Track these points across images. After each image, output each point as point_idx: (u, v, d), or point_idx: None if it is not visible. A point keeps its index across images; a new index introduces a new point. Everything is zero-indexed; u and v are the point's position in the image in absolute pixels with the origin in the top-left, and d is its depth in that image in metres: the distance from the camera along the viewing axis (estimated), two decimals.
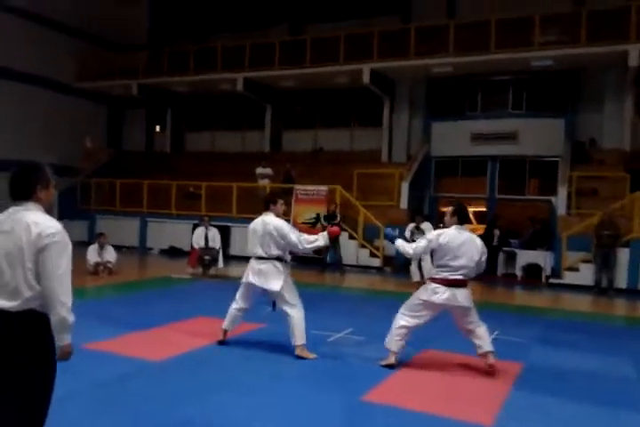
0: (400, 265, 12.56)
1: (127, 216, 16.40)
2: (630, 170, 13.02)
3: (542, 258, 12.24)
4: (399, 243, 5.13)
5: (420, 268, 10.64)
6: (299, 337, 5.23)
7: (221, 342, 5.59)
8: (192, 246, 11.12)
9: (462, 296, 4.85)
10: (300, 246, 5.22)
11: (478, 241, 5.01)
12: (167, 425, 3.63)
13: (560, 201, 12.87)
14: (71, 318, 2.49)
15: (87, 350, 5.16)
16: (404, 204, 14.33)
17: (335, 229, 5.50)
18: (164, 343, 5.66)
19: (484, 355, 5.02)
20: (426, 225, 10.85)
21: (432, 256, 5.24)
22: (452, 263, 4.84)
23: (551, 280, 11.84)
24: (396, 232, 5.40)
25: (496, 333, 6.61)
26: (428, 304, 4.91)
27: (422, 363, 5.28)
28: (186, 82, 18.07)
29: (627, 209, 11.91)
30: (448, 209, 5.13)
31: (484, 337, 5.03)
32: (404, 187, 14.37)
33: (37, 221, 2.50)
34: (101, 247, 10.48)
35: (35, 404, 2.50)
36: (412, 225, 10.98)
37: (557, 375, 5.06)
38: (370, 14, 16.97)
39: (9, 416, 2.44)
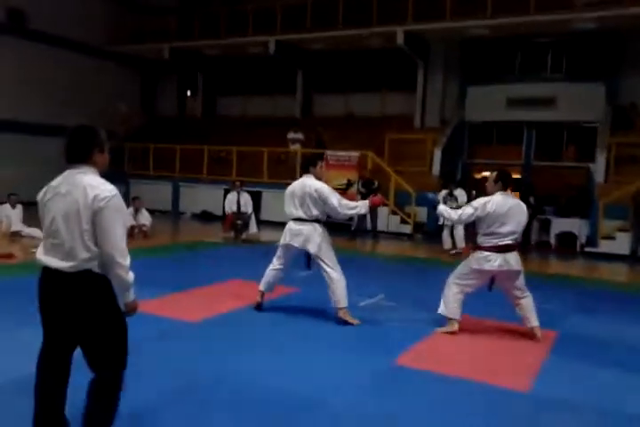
0: (431, 232, 12.50)
1: (160, 181, 16.58)
2: None
3: (577, 226, 12.01)
4: (442, 208, 5.13)
5: (452, 235, 10.57)
6: (340, 300, 5.20)
7: (259, 305, 5.59)
8: (224, 211, 11.23)
9: (514, 260, 4.88)
10: (340, 211, 5.13)
11: (524, 206, 5.02)
12: (198, 383, 3.73)
13: (598, 168, 12.56)
14: (130, 277, 2.61)
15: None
16: (436, 170, 14.15)
17: (377, 199, 5.36)
18: (198, 305, 5.78)
19: (532, 329, 5.06)
20: (459, 192, 10.72)
21: (473, 225, 5.18)
22: (500, 230, 4.81)
23: (586, 249, 11.65)
24: (438, 197, 5.36)
25: None
26: (480, 272, 4.94)
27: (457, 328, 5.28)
28: (217, 45, 17.90)
29: None
30: (491, 175, 5.05)
31: (530, 310, 5.05)
32: (437, 153, 14.16)
33: (93, 184, 2.55)
34: (136, 211, 10.66)
35: (108, 353, 2.70)
36: (444, 191, 10.85)
37: (593, 344, 5.02)
38: None
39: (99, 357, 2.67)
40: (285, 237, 5.33)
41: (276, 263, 5.54)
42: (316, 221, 5.21)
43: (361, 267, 8.64)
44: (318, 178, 5.32)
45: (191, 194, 16.15)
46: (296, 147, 15.11)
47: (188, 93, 21.36)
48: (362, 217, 12.11)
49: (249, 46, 17.45)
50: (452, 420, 3.34)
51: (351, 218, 11.39)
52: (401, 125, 16.02)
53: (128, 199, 14.23)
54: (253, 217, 11.13)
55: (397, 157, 14.58)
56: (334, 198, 5.11)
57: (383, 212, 13.09)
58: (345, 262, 5.51)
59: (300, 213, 5.21)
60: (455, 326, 5.09)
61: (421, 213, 13.17)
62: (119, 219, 2.58)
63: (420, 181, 13.61)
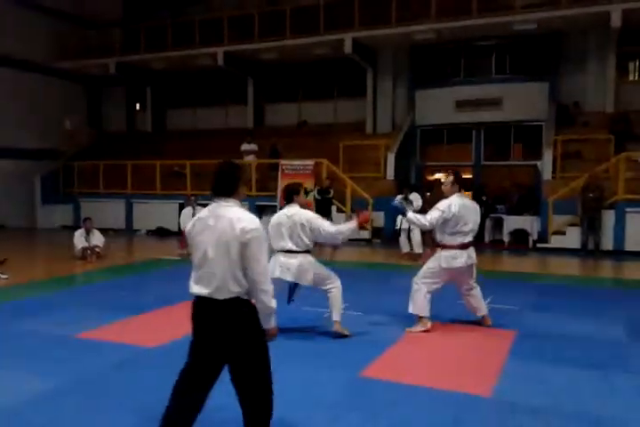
0: (389, 237, 12.61)
1: (112, 198, 16.24)
2: (614, 131, 13.05)
3: (529, 223, 12.34)
4: (412, 215, 5.33)
5: (409, 239, 10.68)
6: (337, 312, 5.19)
7: None
8: (180, 227, 11.05)
9: (474, 254, 5.36)
10: (337, 236, 5.06)
11: (477, 205, 5.50)
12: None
13: (545, 165, 12.92)
14: (273, 303, 2.80)
15: (82, 340, 5.17)
16: (390, 174, 14.29)
17: (365, 215, 5.42)
18: (158, 329, 5.63)
19: (483, 317, 5.59)
20: (414, 196, 10.84)
21: (431, 230, 5.48)
22: (464, 229, 5.22)
23: (538, 245, 11.96)
24: (403, 204, 5.58)
25: (488, 300, 6.69)
26: (448, 270, 5.28)
27: (418, 336, 5.33)
28: (164, 58, 17.70)
29: (611, 171, 11.99)
30: (448, 178, 5.38)
31: (479, 299, 5.55)
32: (391, 157, 14.30)
33: (239, 216, 2.74)
34: (88, 232, 10.37)
35: (257, 372, 2.89)
36: (399, 196, 10.94)
37: (551, 341, 5.13)
38: None
39: (245, 381, 2.86)
40: (275, 272, 5.02)
41: None
42: (307, 251, 5.11)
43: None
44: (302, 206, 5.22)
45: (145, 210, 15.85)
46: (250, 158, 15.02)
47: (137, 107, 21.00)
48: None
49: (197, 58, 17.29)
50: None
51: None
52: (354, 132, 16.17)
53: (79, 220, 13.88)
54: None
55: (352, 163, 14.69)
56: (327, 225, 5.04)
57: (340, 218, 13.11)
58: None
59: (290, 245, 5.05)
60: (428, 324, 5.33)
61: (378, 219, 13.28)
62: (264, 248, 2.79)
63: (376, 186, 13.75)
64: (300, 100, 18.17)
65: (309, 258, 5.12)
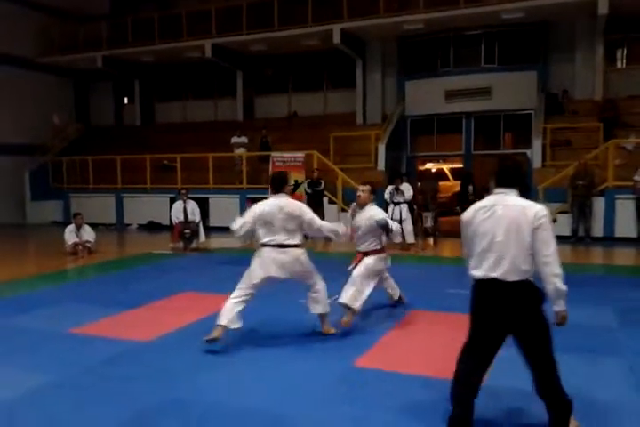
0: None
1: (102, 193, 16.16)
2: (602, 119, 13.09)
3: None
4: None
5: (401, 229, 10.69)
6: (322, 308, 5.04)
7: (214, 339, 4.62)
8: (171, 221, 11.03)
9: None
10: (323, 231, 4.87)
11: None
12: (159, 406, 3.62)
13: (535, 153, 12.95)
14: (565, 287, 2.95)
15: (74, 335, 5.15)
16: (381, 165, 14.28)
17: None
18: (150, 323, 5.61)
19: (399, 299, 5.95)
20: (405, 186, 10.86)
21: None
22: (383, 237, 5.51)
23: None
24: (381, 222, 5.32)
25: None
26: (383, 270, 5.61)
27: (409, 325, 5.38)
28: (152, 51, 17.56)
29: (601, 158, 12.04)
30: (365, 187, 5.44)
31: (394, 286, 5.94)
32: (381, 148, 14.29)
33: (529, 204, 2.99)
34: (78, 228, 10.31)
35: (545, 345, 3.11)
36: (391, 187, 10.98)
37: None
38: None
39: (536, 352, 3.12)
40: (269, 269, 4.69)
41: (243, 295, 4.73)
42: (298, 244, 4.80)
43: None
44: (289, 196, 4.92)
45: (136, 205, 15.78)
46: (241, 151, 14.97)
47: (126, 101, 20.85)
48: None
49: (185, 51, 17.18)
50: (417, 418, 3.39)
51: None
52: (344, 123, 16.14)
53: (69, 215, 13.80)
54: (201, 225, 10.95)
55: (343, 154, 14.69)
56: (318, 219, 4.86)
57: (332, 209, 13.14)
58: None
59: (284, 238, 4.70)
60: (352, 317, 5.21)
61: None
62: (553, 233, 2.97)
63: (367, 177, 13.70)
64: (289, 92, 18.10)
65: (302, 251, 4.85)
